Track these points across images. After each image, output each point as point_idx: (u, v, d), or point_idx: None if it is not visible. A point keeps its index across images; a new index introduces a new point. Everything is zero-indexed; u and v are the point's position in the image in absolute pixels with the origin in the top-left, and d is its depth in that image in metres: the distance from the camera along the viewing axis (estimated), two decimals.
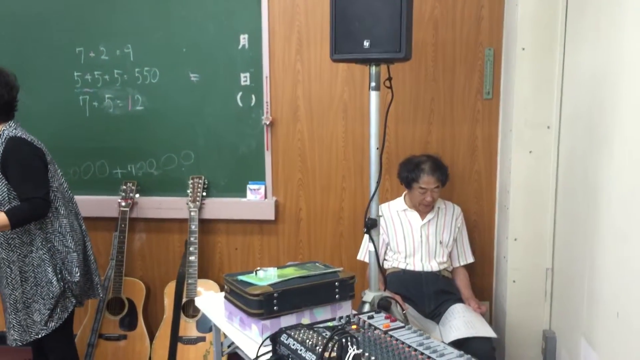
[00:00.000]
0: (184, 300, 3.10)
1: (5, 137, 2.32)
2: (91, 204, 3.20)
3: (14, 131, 2.35)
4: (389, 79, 2.25)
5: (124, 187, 3.23)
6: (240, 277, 2.00)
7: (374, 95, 2.21)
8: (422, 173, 2.72)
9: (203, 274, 3.24)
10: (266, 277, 1.99)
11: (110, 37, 3.17)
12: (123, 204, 3.20)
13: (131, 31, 3.16)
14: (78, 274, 2.47)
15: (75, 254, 2.47)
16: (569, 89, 2.52)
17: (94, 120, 3.26)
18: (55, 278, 2.41)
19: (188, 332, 3.10)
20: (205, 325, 3.06)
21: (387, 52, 2.05)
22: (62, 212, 2.46)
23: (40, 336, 2.42)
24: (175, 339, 3.08)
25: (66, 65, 3.22)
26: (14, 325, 2.41)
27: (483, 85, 3.00)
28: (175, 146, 3.24)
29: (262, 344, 1.77)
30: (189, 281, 3.08)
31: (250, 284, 1.92)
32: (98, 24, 3.17)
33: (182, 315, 3.11)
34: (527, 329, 2.80)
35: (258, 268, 2.06)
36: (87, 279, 2.60)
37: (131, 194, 3.22)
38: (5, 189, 2.32)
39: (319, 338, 1.61)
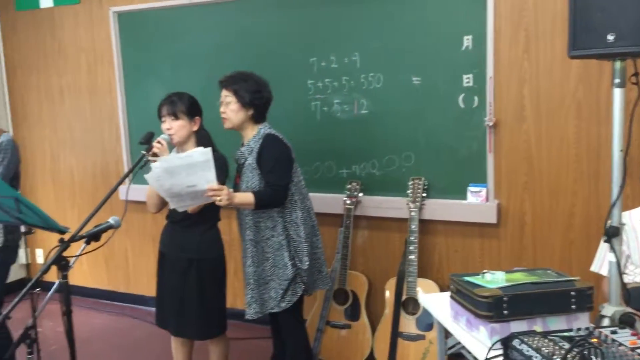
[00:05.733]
0: (404, 297, 3.20)
1: (263, 134, 2.73)
2: (320, 201, 3.45)
3: (269, 130, 2.76)
4: (636, 74, 2.04)
5: (349, 186, 3.45)
6: (467, 278, 2.01)
7: (618, 92, 2.02)
8: None
9: (422, 273, 3.30)
10: (494, 280, 1.96)
11: (339, 47, 3.41)
12: (348, 202, 3.42)
13: (358, 40, 3.36)
14: (307, 262, 2.74)
15: (306, 244, 2.75)
16: None
17: (324, 124, 3.54)
18: (290, 262, 2.71)
19: (407, 329, 3.18)
20: (425, 323, 3.12)
21: (636, 46, 1.86)
22: (299, 205, 2.76)
23: (274, 311, 2.74)
24: (396, 334, 3.20)
25: (301, 74, 3.55)
26: (256, 299, 2.76)
27: None
28: (396, 148, 3.36)
29: (492, 347, 1.76)
30: (409, 279, 3.16)
31: (478, 286, 1.92)
32: (329, 36, 3.43)
33: (401, 311, 3.21)
34: None
35: (485, 270, 2.04)
36: (316, 269, 2.86)
37: (355, 193, 3.42)
38: (258, 178, 2.70)
39: (556, 347, 1.54)
